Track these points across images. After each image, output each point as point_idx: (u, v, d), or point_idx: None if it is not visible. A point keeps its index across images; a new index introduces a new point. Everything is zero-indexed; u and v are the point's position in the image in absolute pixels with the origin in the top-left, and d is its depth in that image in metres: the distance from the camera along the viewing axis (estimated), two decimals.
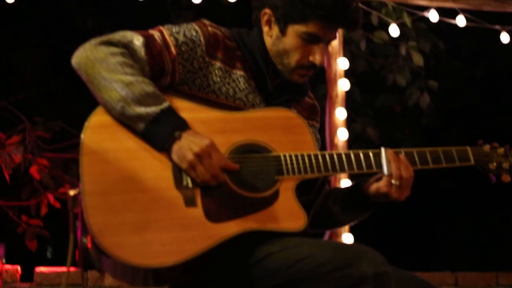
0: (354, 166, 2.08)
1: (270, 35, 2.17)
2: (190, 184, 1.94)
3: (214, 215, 1.91)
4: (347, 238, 4.59)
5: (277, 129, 2.08)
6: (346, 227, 4.51)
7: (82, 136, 1.96)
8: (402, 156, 2.10)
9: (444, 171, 8.37)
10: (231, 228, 1.90)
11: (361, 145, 6.71)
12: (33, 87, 6.73)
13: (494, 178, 2.23)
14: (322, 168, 2.05)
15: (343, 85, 4.75)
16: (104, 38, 2.03)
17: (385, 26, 5.16)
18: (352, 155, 2.08)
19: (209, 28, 2.13)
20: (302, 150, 2.06)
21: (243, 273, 1.95)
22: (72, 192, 1.96)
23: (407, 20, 5.09)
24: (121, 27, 2.12)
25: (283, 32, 2.14)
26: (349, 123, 5.22)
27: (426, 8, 4.89)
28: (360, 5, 2.16)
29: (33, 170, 4.41)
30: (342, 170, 2.06)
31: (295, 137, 2.09)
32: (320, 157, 2.06)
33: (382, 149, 2.10)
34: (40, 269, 4.02)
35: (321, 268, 1.81)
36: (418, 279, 2.13)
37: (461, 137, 8.48)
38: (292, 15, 2.10)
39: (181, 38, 2.08)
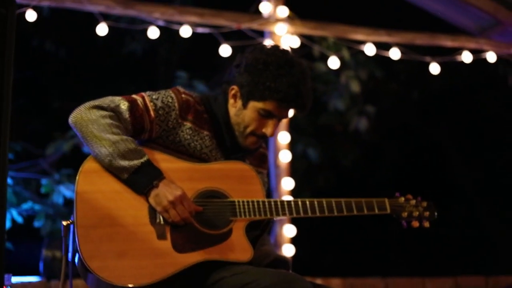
0: (286, 212, 2.58)
1: (234, 106, 2.66)
2: (162, 222, 2.41)
3: (180, 247, 2.38)
4: (288, 248, 5.03)
5: (233, 179, 2.56)
6: (287, 237, 4.99)
7: (77, 178, 2.40)
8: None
9: (373, 180, 8.73)
10: (193, 257, 2.38)
11: (303, 164, 7.11)
12: None
13: (405, 224, 2.77)
14: (267, 212, 2.54)
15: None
16: (97, 102, 2.47)
17: (326, 57, 5.62)
18: (285, 203, 2.57)
19: (183, 96, 2.60)
20: (253, 197, 2.54)
21: None
22: (65, 223, 2.37)
23: (346, 53, 5.55)
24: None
25: (244, 106, 2.62)
26: (292, 143, 5.62)
27: (363, 42, 5.39)
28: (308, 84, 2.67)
29: None
30: (278, 214, 2.56)
31: (248, 186, 2.57)
32: (266, 203, 2.55)
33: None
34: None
35: None
36: None
37: (398, 153, 9.00)
38: (254, 94, 2.59)
39: (159, 103, 2.55)
